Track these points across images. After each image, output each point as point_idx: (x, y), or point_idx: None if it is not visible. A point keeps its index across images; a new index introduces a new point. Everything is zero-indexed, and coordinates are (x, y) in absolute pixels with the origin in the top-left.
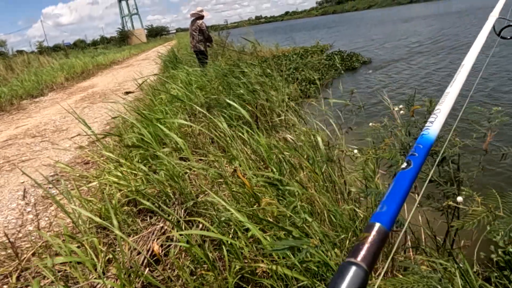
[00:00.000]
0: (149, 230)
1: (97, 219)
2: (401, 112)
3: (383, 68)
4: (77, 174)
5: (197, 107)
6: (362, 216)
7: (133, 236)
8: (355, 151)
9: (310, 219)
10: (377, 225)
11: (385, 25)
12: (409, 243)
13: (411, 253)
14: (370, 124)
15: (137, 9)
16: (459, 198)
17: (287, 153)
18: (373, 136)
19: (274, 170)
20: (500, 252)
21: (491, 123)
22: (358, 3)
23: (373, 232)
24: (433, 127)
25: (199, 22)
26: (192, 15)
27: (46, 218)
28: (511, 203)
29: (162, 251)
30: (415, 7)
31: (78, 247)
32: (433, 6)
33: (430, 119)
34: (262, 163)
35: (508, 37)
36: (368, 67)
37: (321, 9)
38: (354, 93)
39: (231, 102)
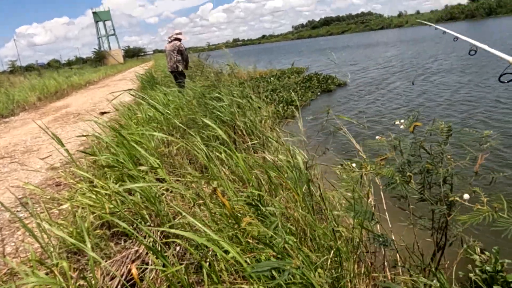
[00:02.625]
0: (123, 254)
1: (70, 239)
2: (401, 126)
3: (357, 90)
4: (48, 196)
5: (177, 122)
6: (344, 235)
7: (106, 261)
8: (354, 164)
9: (292, 239)
10: None
11: (358, 49)
12: (387, 264)
13: (388, 274)
14: (377, 137)
15: (114, 30)
16: (466, 196)
17: (270, 172)
18: (377, 150)
19: (254, 191)
20: (477, 271)
21: (482, 146)
22: (333, 28)
23: None
24: None
25: (177, 43)
26: (169, 38)
27: (13, 244)
28: None
29: (138, 275)
30: (386, 32)
31: (47, 273)
32: (402, 32)
33: None
34: (241, 184)
35: (506, 81)
36: (341, 92)
37: (297, 33)
38: (330, 114)
39: (207, 121)
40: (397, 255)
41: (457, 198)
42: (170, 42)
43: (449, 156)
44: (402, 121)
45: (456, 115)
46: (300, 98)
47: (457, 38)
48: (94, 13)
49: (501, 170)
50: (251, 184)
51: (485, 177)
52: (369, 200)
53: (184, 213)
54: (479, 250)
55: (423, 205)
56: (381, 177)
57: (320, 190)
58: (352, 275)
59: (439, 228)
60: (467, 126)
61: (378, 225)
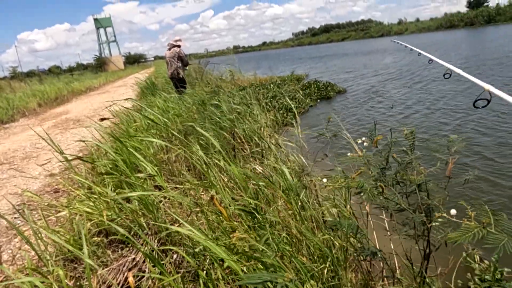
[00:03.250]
0: (120, 262)
1: (68, 245)
2: (365, 144)
3: (357, 97)
4: (46, 203)
5: (174, 132)
6: (338, 244)
7: (103, 268)
8: (324, 179)
9: (287, 249)
10: None
11: (358, 56)
12: (384, 272)
13: (386, 283)
14: (349, 154)
15: (115, 37)
16: (453, 211)
17: (262, 183)
18: (350, 165)
19: (250, 201)
20: (477, 280)
21: (451, 150)
22: (333, 36)
23: None
24: None
25: (177, 49)
26: (169, 44)
27: (9, 251)
28: (502, 221)
29: (134, 284)
30: (386, 39)
31: (43, 282)
32: (402, 39)
33: None
34: (239, 191)
35: (480, 107)
36: (342, 97)
37: (297, 40)
38: (331, 120)
39: (202, 131)
40: (395, 263)
41: (444, 214)
42: (169, 49)
43: (419, 165)
44: (364, 139)
45: (450, 121)
46: (299, 105)
47: (431, 60)
48: (95, 19)
49: (491, 177)
50: (248, 192)
51: (456, 181)
52: (366, 209)
53: (181, 221)
54: (478, 258)
55: (406, 213)
56: (354, 189)
57: (317, 198)
58: (349, 284)
59: (422, 235)
60: (461, 132)
61: (374, 233)
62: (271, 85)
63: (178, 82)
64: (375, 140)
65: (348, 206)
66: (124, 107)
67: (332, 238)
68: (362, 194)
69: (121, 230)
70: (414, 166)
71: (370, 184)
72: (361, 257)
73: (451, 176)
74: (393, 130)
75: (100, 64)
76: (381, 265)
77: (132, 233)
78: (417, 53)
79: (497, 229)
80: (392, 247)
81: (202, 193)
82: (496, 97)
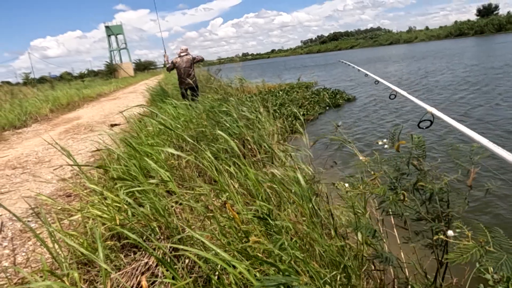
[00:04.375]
0: (133, 265)
1: (82, 249)
2: (385, 146)
3: (366, 105)
4: (59, 207)
5: (186, 137)
6: (351, 251)
7: (116, 272)
8: (346, 184)
9: (299, 255)
10: None
11: (369, 64)
12: (396, 281)
13: None
14: (361, 157)
15: (125, 44)
16: (450, 232)
17: (275, 186)
18: (363, 170)
19: (263, 205)
20: None
21: (473, 159)
22: (341, 43)
23: None
24: None
25: (190, 56)
26: (179, 53)
27: (23, 253)
28: (499, 238)
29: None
30: (396, 47)
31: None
32: (411, 47)
33: None
34: (250, 197)
35: (424, 127)
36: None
37: (305, 47)
38: (340, 127)
39: (222, 133)
40: (406, 271)
41: (441, 236)
42: (179, 56)
43: (440, 173)
44: (384, 140)
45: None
46: (308, 113)
47: (378, 81)
48: (106, 27)
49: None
50: (260, 198)
51: (479, 189)
52: (376, 216)
53: (189, 230)
54: (492, 269)
55: (422, 222)
56: (375, 195)
57: (328, 205)
58: None
59: (439, 245)
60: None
61: (387, 241)
62: (280, 93)
63: (193, 90)
64: (397, 144)
65: (367, 214)
66: (136, 113)
67: (345, 244)
68: (385, 203)
69: (133, 236)
70: (434, 174)
71: (389, 188)
72: (376, 263)
73: (472, 186)
74: (409, 135)
75: (111, 71)
76: (393, 274)
77: (144, 237)
78: (364, 74)
79: (495, 247)
80: (403, 255)
81: (214, 199)
82: (438, 118)
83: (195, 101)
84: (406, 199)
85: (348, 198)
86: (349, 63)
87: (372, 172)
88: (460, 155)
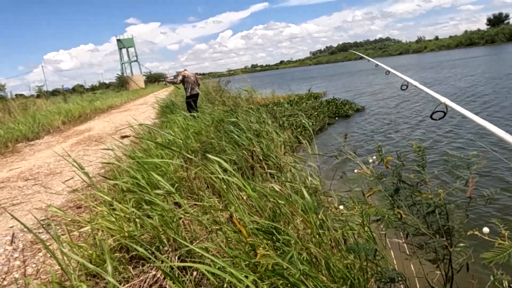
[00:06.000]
0: (141, 278)
1: (89, 265)
2: (375, 163)
3: (376, 115)
4: (69, 219)
5: (189, 153)
6: (358, 266)
7: (124, 285)
8: (341, 207)
9: (307, 269)
10: None
11: (377, 75)
12: None
13: None
14: (355, 171)
15: (136, 56)
16: (485, 229)
17: (281, 201)
18: (360, 183)
19: (267, 223)
20: None
21: (471, 169)
22: (350, 54)
23: None
24: None
25: (193, 72)
26: (185, 71)
27: (34, 265)
28: None
29: None
30: (405, 58)
31: None
32: (421, 57)
33: None
34: (258, 209)
35: (437, 119)
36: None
37: (314, 58)
38: (348, 137)
39: (217, 159)
40: (416, 284)
41: (476, 232)
42: (186, 71)
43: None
44: (374, 157)
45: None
46: (316, 123)
47: (388, 72)
48: (118, 40)
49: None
50: (266, 212)
51: (477, 199)
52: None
53: (194, 246)
54: (507, 284)
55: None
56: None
57: (336, 217)
58: None
59: (443, 259)
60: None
61: (392, 253)
62: (288, 104)
63: (197, 98)
64: (385, 161)
65: (366, 228)
66: (146, 125)
67: (351, 259)
68: (380, 221)
69: (140, 249)
70: (430, 186)
71: (386, 206)
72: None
73: (471, 197)
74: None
75: (122, 83)
76: (401, 287)
77: (153, 248)
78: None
79: None
80: (412, 267)
81: (221, 212)
82: (452, 109)
83: (196, 109)
84: (403, 215)
85: (346, 214)
86: (384, 66)
87: (369, 188)
88: (457, 165)
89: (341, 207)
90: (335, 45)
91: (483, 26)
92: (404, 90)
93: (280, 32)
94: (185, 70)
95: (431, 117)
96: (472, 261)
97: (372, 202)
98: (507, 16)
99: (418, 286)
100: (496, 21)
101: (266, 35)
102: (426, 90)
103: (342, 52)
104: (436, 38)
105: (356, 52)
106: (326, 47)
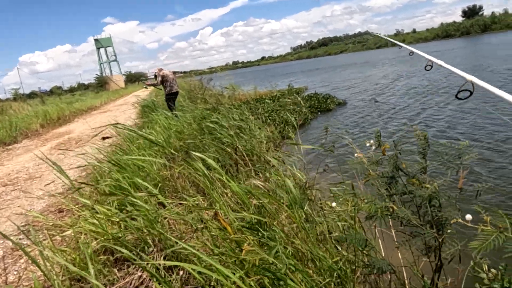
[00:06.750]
0: (127, 280)
1: (72, 267)
2: (373, 147)
3: (356, 109)
4: (51, 223)
5: (172, 151)
6: (345, 258)
7: (109, 287)
8: (334, 204)
9: (293, 262)
10: None
11: (357, 67)
12: (393, 284)
13: None
14: (355, 155)
15: (115, 56)
16: (468, 216)
17: (265, 199)
18: (358, 168)
19: (253, 217)
20: None
21: (462, 159)
22: (331, 49)
23: None
24: None
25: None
26: (160, 70)
27: (15, 272)
28: None
29: None
30: (383, 51)
31: None
32: (400, 50)
33: None
34: (244, 205)
35: (463, 98)
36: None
37: (295, 54)
38: (329, 132)
39: (200, 155)
40: (404, 273)
41: (460, 220)
42: (164, 70)
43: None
44: (371, 141)
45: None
46: (299, 117)
47: (412, 52)
48: (96, 40)
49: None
50: (251, 208)
51: (468, 190)
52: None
53: (181, 243)
54: (486, 268)
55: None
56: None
57: (323, 210)
58: None
59: (434, 249)
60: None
61: (380, 243)
62: (270, 99)
63: (176, 96)
64: (383, 148)
65: (356, 218)
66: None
67: (338, 251)
68: (373, 218)
69: (124, 251)
70: (424, 178)
71: (378, 196)
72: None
73: (462, 188)
74: (402, 131)
75: (101, 84)
76: (389, 276)
77: (138, 249)
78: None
79: None
80: (400, 256)
81: (206, 210)
82: (479, 87)
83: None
84: (396, 208)
85: (336, 205)
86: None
87: (367, 173)
88: (448, 155)
89: (334, 204)
90: (315, 40)
91: (458, 18)
92: (428, 70)
93: (260, 28)
94: (162, 69)
95: (456, 96)
96: (462, 250)
97: (363, 191)
98: (481, 8)
99: (405, 275)
100: (471, 13)
101: (246, 32)
102: (452, 69)
103: (323, 47)
104: (414, 31)
105: (387, 38)
106: (307, 42)
